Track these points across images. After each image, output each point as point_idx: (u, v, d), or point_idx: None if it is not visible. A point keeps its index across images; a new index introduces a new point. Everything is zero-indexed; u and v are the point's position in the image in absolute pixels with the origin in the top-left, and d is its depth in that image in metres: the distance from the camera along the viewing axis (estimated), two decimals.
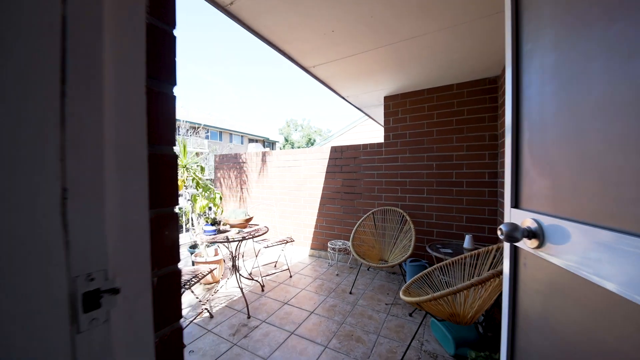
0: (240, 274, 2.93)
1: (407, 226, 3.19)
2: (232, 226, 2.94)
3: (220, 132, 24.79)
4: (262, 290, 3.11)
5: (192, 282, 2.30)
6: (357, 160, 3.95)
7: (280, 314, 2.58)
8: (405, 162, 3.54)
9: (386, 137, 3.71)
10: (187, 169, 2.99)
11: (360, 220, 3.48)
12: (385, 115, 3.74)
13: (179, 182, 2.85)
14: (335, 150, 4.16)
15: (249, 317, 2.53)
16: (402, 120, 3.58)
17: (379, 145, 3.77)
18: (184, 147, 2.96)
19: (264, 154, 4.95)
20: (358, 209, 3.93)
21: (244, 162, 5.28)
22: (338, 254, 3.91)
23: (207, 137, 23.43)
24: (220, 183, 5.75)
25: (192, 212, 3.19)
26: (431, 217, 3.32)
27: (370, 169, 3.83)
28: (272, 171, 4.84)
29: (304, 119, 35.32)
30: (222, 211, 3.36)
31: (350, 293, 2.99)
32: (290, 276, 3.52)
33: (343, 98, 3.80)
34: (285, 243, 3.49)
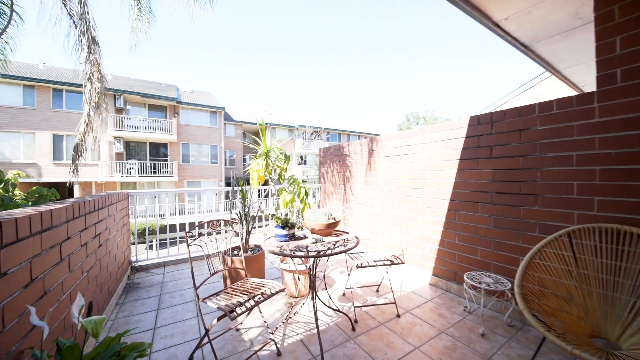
0: (319, 298, 2.04)
1: None
2: (312, 231, 2.10)
3: (339, 134, 25.68)
4: (353, 328, 2.10)
5: (248, 306, 1.59)
6: (527, 135, 2.20)
7: None
8: None
9: (603, 79, 1.80)
10: (268, 155, 2.45)
11: (540, 244, 1.80)
12: (601, 36, 1.83)
13: (258, 175, 2.32)
14: (478, 122, 2.54)
15: None
16: None
17: (583, 98, 1.90)
18: (263, 129, 2.42)
19: (370, 142, 3.91)
20: (529, 224, 2.18)
21: (347, 155, 4.44)
22: (485, 296, 2.30)
23: (327, 139, 24.88)
24: (324, 179, 5.18)
25: (277, 209, 2.64)
26: None
27: (559, 147, 2.01)
28: (379, 163, 3.71)
29: (427, 109, 30.42)
30: (307, 208, 2.64)
31: None
32: (398, 315, 2.30)
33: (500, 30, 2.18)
34: (391, 264, 2.31)
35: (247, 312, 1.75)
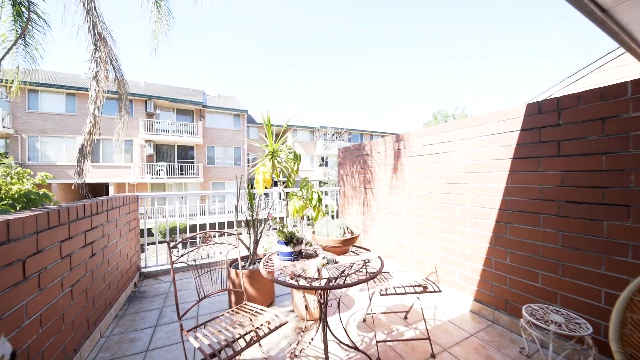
0: (331, 332, 1.63)
1: None
2: (323, 248, 1.70)
3: (362, 134, 25.02)
4: None
5: (237, 348, 1.23)
6: (615, 124, 1.63)
7: None
8: None
9: None
10: (274, 155, 2.10)
11: None
12: None
13: (263, 178, 1.98)
14: (539, 111, 1.99)
15: None
16: None
17: None
18: (268, 121, 2.07)
19: (395, 140, 3.43)
20: (617, 244, 1.60)
21: (369, 155, 3.98)
22: (554, 340, 1.73)
23: (349, 140, 24.32)
24: (343, 182, 4.76)
25: (287, 217, 2.28)
26: None
27: None
28: (406, 164, 3.22)
29: (456, 107, 28.27)
30: (320, 217, 2.23)
31: None
32: (433, 355, 1.82)
33: None
34: (423, 291, 1.83)
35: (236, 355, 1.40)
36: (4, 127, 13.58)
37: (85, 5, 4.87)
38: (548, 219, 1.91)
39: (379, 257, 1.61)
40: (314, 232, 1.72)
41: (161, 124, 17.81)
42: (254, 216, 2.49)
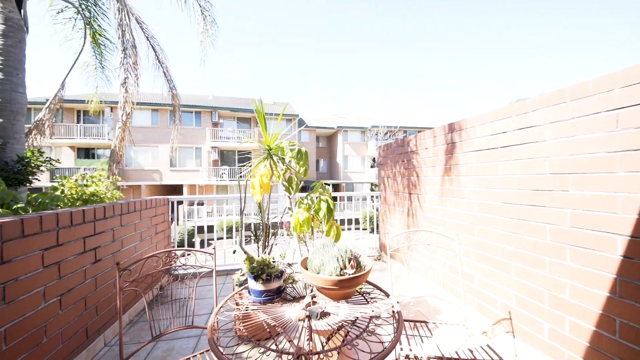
0: None
1: None
2: (318, 289, 1.16)
3: (418, 131, 22.92)
4: None
5: None
6: None
7: None
8: None
9: None
10: (271, 155, 1.65)
11: None
12: None
13: (261, 182, 1.56)
14: None
15: None
16: None
17: None
18: (260, 116, 1.64)
19: (448, 130, 2.61)
20: None
21: (414, 152, 3.20)
22: None
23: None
24: (384, 185, 4.04)
25: (292, 229, 1.81)
26: None
27: None
28: (463, 161, 2.39)
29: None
30: (332, 234, 1.66)
31: None
32: None
33: None
34: None
35: None
36: (109, 139, 16.81)
37: (149, 40, 5.45)
38: None
39: (397, 312, 0.98)
40: (305, 261, 1.20)
41: (224, 132, 19.59)
42: (263, 225, 2.09)
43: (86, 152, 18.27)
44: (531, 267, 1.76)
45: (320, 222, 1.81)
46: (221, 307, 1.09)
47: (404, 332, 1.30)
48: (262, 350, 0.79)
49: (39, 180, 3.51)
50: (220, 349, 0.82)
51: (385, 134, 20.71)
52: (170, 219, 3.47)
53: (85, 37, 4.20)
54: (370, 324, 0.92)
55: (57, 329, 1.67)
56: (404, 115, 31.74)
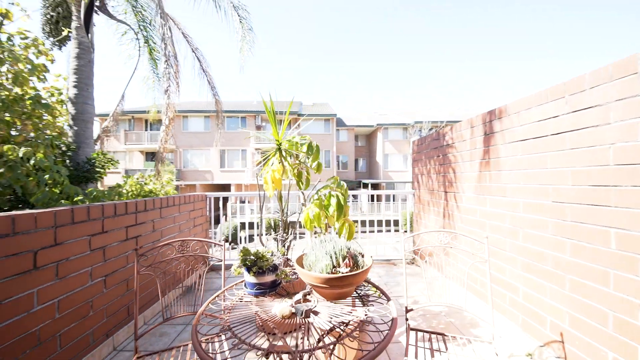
0: None
1: None
2: (313, 287, 1.10)
3: None
4: None
5: None
6: None
7: None
8: None
9: None
10: (282, 150, 1.63)
11: None
12: None
13: (272, 177, 1.56)
14: None
15: None
16: None
17: None
18: (270, 112, 1.62)
19: (487, 119, 2.29)
20: None
21: (450, 145, 2.89)
22: None
23: None
24: (418, 183, 3.74)
25: (302, 226, 1.77)
26: None
27: None
28: (504, 153, 2.06)
29: None
30: (344, 232, 1.56)
31: None
32: None
33: None
34: None
35: None
36: (170, 144, 19.07)
37: (194, 52, 6.03)
38: None
39: (391, 318, 0.86)
40: (301, 257, 1.14)
41: (265, 134, 20.63)
42: (282, 222, 2.10)
43: (152, 156, 21.05)
44: (591, 281, 1.42)
45: (329, 217, 1.73)
46: (216, 296, 1.11)
47: (412, 343, 1.15)
48: (235, 342, 0.77)
49: (105, 177, 4.13)
50: (199, 336, 0.82)
51: (430, 129, 19.39)
52: (208, 215, 3.75)
53: (139, 55, 4.84)
54: (356, 330, 0.83)
55: (102, 304, 1.90)
56: (453, 108, 29.30)
